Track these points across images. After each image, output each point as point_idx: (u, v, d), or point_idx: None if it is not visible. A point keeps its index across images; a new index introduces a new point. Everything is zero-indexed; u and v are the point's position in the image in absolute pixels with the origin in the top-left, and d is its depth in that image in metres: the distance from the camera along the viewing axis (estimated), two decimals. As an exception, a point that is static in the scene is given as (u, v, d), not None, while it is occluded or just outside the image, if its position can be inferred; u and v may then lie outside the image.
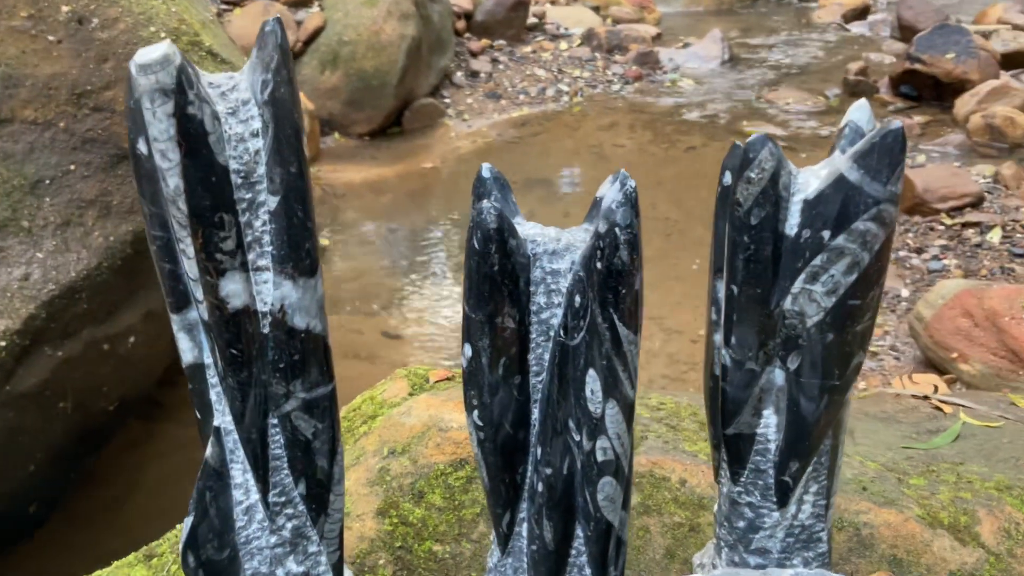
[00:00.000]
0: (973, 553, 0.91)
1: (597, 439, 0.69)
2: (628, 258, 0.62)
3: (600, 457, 0.69)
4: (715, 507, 0.85)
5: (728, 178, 0.70)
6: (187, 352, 0.69)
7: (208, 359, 0.69)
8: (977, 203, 3.76)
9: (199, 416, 0.72)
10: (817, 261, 0.65)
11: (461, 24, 5.58)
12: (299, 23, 4.73)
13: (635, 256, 0.62)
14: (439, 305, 3.16)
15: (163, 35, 2.18)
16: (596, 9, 6.39)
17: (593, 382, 0.67)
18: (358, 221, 4.01)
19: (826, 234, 0.64)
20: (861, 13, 6.83)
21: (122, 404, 2.24)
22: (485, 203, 0.63)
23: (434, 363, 2.71)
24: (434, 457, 0.97)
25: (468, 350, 0.68)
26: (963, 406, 1.36)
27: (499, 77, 5.41)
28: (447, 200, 4.23)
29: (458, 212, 3.97)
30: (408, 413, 1.04)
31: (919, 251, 3.50)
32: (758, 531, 0.79)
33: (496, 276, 0.64)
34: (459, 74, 5.38)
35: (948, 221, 3.65)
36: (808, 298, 0.67)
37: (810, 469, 0.75)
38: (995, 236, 3.50)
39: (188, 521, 0.70)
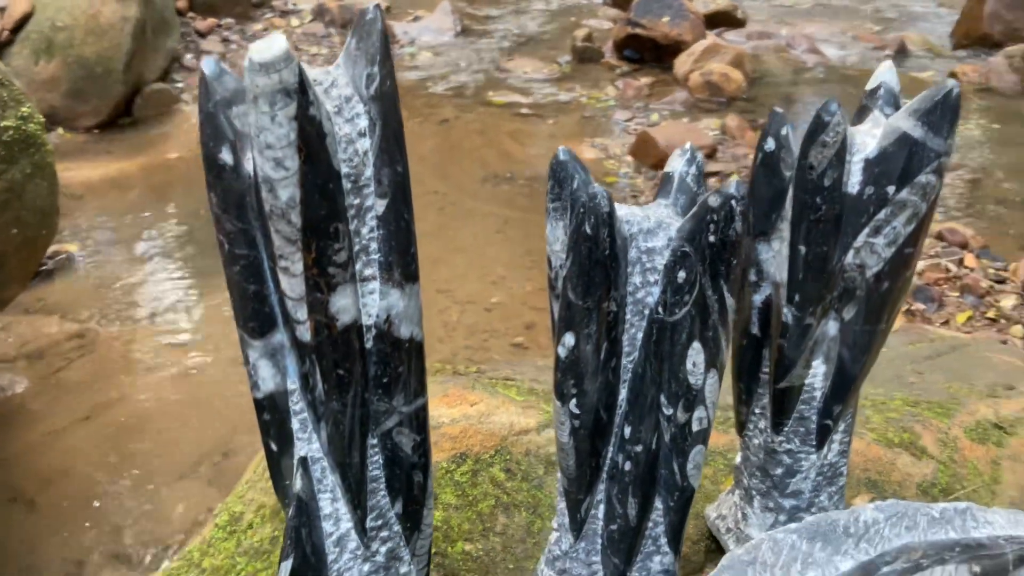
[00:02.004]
0: (928, 464, 1.03)
1: (695, 410, 0.70)
2: (741, 229, 0.64)
3: (696, 427, 0.71)
4: (738, 460, 0.89)
5: (771, 144, 0.74)
6: (267, 380, 0.62)
7: (292, 385, 0.62)
8: (712, 154, 4.09)
9: (274, 448, 0.65)
10: (881, 215, 0.70)
11: (183, 3, 5.24)
12: (2, 9, 4.22)
13: (744, 226, 0.64)
14: (215, 304, 2.95)
15: None
16: (321, -17, 6.22)
17: (696, 355, 0.68)
18: (106, 223, 3.67)
19: (891, 189, 0.69)
20: (573, -19, 7.16)
21: None
22: (598, 188, 0.62)
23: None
24: (435, 455, 0.94)
25: (570, 339, 0.66)
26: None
27: (233, 57, 5.14)
28: (203, 191, 3.97)
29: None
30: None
31: (672, 202, 3.74)
32: (795, 475, 0.84)
33: (607, 261, 0.63)
34: (189, 56, 5.05)
35: (692, 172, 3.93)
36: (870, 251, 0.71)
37: (845, 411, 0.81)
38: (733, 181, 3.85)
39: (286, 565, 0.64)
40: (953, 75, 5.23)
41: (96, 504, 2.03)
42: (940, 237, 3.19)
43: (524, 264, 3.19)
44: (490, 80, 5.19)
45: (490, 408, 1.03)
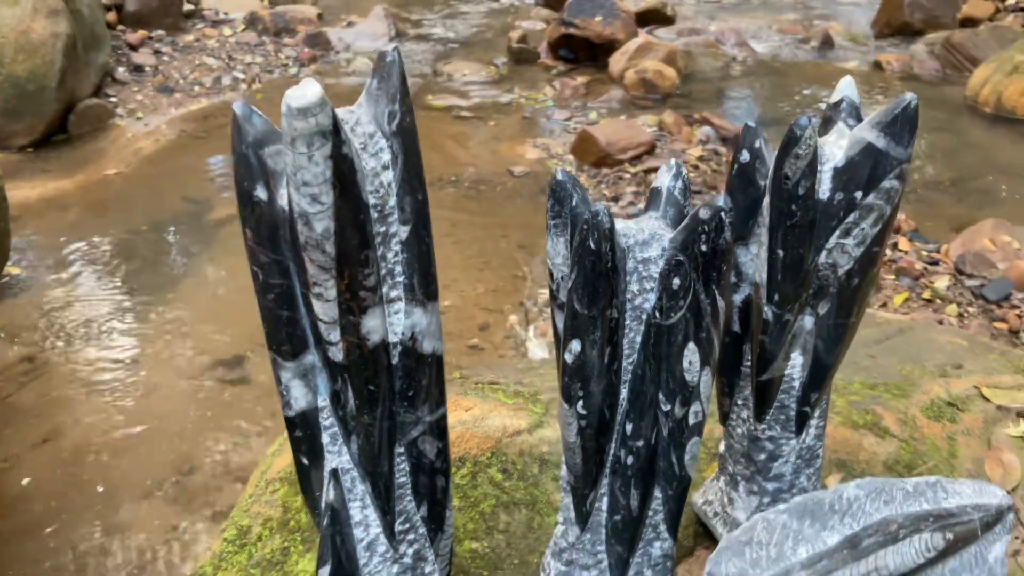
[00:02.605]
0: (891, 443, 1.10)
1: (691, 405, 0.76)
2: (730, 237, 0.69)
3: (692, 420, 0.77)
4: (722, 449, 0.96)
5: (746, 156, 0.80)
6: (299, 400, 0.66)
7: (323, 402, 0.66)
8: (651, 150, 4.18)
9: (305, 462, 0.69)
10: (850, 218, 0.77)
11: (112, 16, 5.17)
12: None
13: (731, 235, 0.70)
14: (161, 320, 2.93)
15: None
16: (251, -9, 6.18)
17: (692, 354, 0.74)
18: (47, 243, 3.61)
19: (858, 194, 0.76)
20: (504, -18, 7.22)
21: None
22: (600, 206, 0.67)
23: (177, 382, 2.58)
24: (433, 461, 0.98)
25: (576, 345, 0.71)
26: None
27: (167, 69, 5.09)
28: (144, 206, 3.92)
29: (164, 215, 3.71)
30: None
31: (615, 199, 3.83)
32: (777, 459, 0.90)
33: (609, 272, 0.69)
34: (121, 70, 4.99)
35: (632, 169, 4.03)
36: (841, 251, 0.78)
37: (821, 398, 0.88)
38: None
39: (324, 571, 0.68)
40: (877, 64, 5.42)
41: (57, 528, 2.02)
42: (875, 221, 3.28)
43: (475, 266, 3.23)
44: (428, 84, 5.22)
45: (483, 412, 1.08)
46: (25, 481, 2.14)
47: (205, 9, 5.78)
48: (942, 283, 2.96)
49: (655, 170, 3.97)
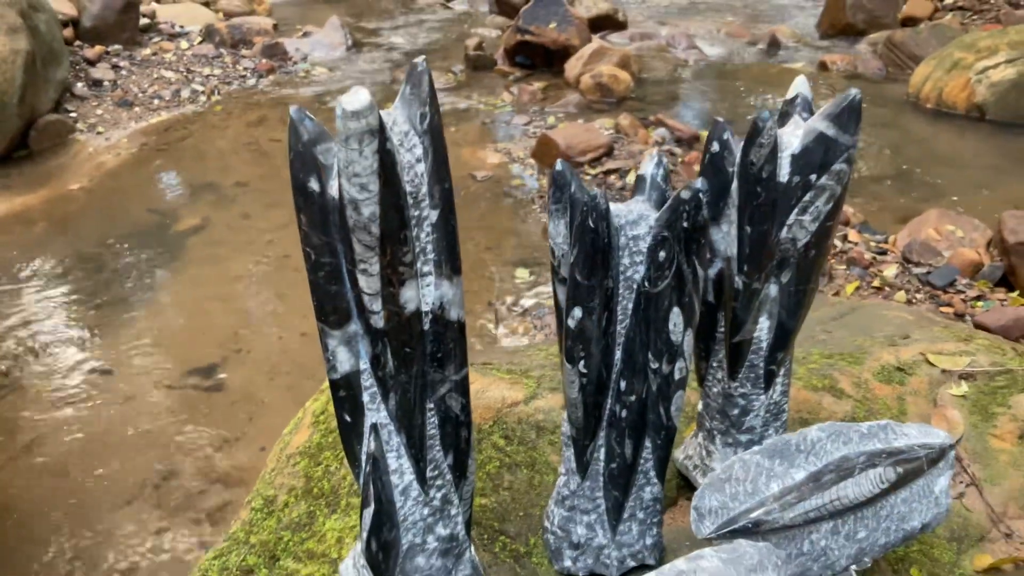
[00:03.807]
0: (847, 403, 1.23)
1: (676, 362, 0.88)
2: (707, 215, 0.81)
3: (677, 376, 0.88)
4: (700, 408, 1.07)
5: (716, 147, 0.92)
6: (344, 363, 0.77)
7: (364, 365, 0.77)
8: (609, 152, 4.31)
9: (348, 419, 0.79)
10: (806, 198, 0.89)
11: (69, 32, 5.19)
12: None
13: (707, 214, 0.82)
14: (132, 331, 2.97)
15: None
16: (206, 4, 6.22)
17: (676, 317, 0.85)
18: (15, 258, 3.62)
19: (813, 177, 0.88)
20: (456, -8, 7.34)
21: None
22: (596, 190, 0.78)
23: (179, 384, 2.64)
24: (441, 429, 1.09)
25: (578, 312, 0.83)
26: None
27: (125, 83, 5.13)
28: (109, 219, 3.95)
29: (129, 228, 3.75)
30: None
31: (577, 200, 3.92)
32: (748, 413, 1.02)
33: (605, 247, 0.80)
34: (80, 85, 5.01)
35: (592, 171, 4.15)
36: (800, 226, 0.90)
37: (785, 357, 1.00)
38: (631, 177, 4.08)
39: (368, 512, 0.78)
40: (823, 64, 5.62)
41: (45, 537, 2.08)
42: (825, 216, 3.41)
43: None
44: (387, 92, 5.30)
45: (484, 386, 1.19)
46: (5, 493, 2.19)
47: (161, 23, 5.82)
48: (891, 271, 3.11)
49: (615, 171, 4.10)
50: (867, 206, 3.65)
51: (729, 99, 5.15)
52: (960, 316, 2.79)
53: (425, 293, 0.76)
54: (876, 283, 3.07)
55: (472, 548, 0.91)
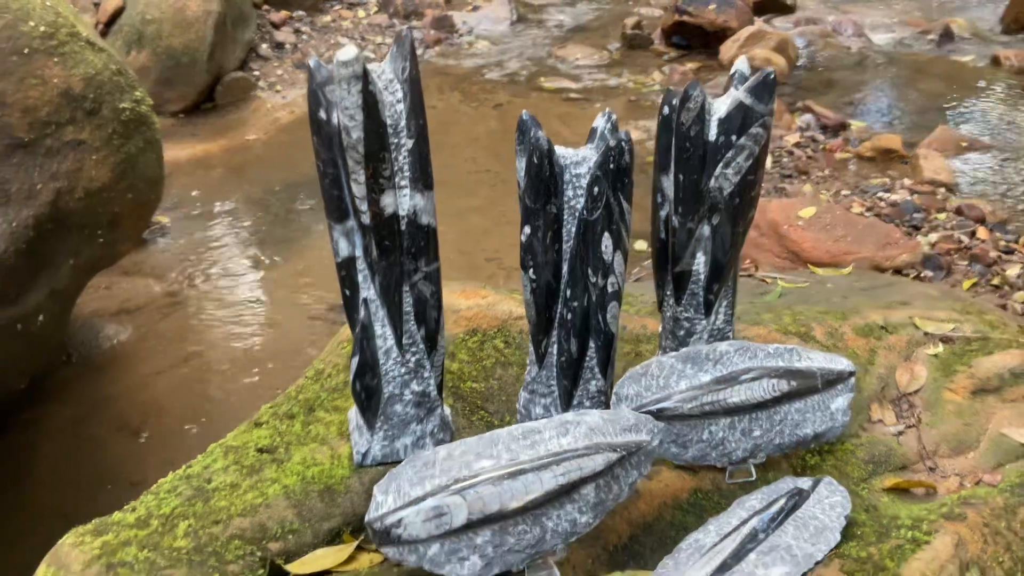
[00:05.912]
0: (813, 347, 1.41)
1: (608, 277, 1.11)
2: (630, 159, 1.04)
3: (610, 289, 1.12)
4: (659, 329, 1.30)
5: (667, 110, 1.14)
6: (344, 250, 1.05)
7: (359, 253, 1.05)
8: (746, 135, 4.37)
9: (347, 294, 1.07)
10: (729, 155, 1.10)
11: (260, -4, 5.73)
12: (97, 5, 4.75)
13: (632, 157, 1.04)
14: (287, 269, 3.36)
15: (43, 28, 2.36)
16: (386, -24, 6.66)
17: (607, 240, 1.09)
18: (193, 198, 4.13)
19: (734, 137, 1.09)
20: (625, -29, 7.50)
21: (32, 381, 2.42)
22: (540, 133, 1.03)
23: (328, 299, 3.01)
24: (454, 330, 1.37)
25: (527, 229, 1.07)
26: (779, 277, 1.89)
27: (305, 47, 5.62)
28: (279, 169, 4.42)
29: (295, 178, 4.18)
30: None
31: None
32: (692, 335, 1.24)
33: (547, 179, 1.05)
34: (264, 46, 5.54)
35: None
36: (724, 178, 1.11)
37: (724, 290, 1.21)
38: (768, 161, 4.17)
39: (355, 360, 1.07)
40: (995, 59, 5.44)
41: (193, 430, 2.46)
42: (959, 212, 3.32)
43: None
44: (542, 67, 5.56)
45: (495, 301, 1.45)
46: (164, 393, 2.59)
47: (343, -8, 6.30)
48: (1013, 271, 3.02)
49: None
50: (1013, 209, 3.56)
51: (887, 89, 5.10)
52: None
53: (402, 202, 1.03)
54: (995, 281, 3.01)
55: (445, 408, 1.18)
